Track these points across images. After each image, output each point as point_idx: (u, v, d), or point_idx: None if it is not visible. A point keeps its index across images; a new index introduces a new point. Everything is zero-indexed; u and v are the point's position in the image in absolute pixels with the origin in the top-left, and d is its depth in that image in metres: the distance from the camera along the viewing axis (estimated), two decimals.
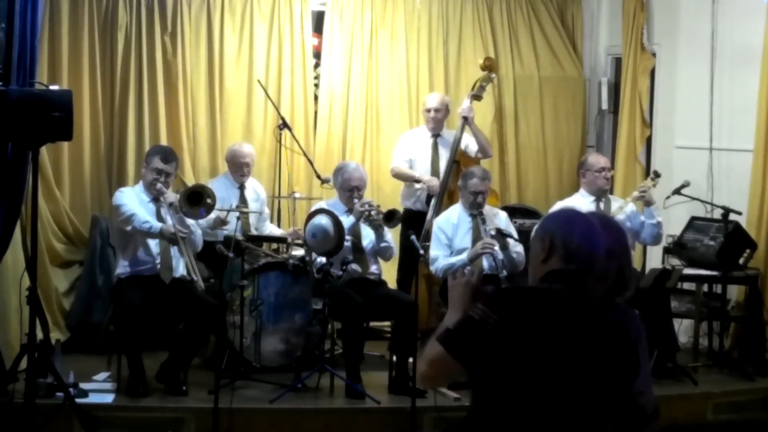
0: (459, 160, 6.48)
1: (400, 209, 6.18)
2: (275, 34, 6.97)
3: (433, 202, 6.41)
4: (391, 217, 5.72)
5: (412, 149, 6.61)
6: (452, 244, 5.84)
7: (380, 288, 5.84)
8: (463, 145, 6.54)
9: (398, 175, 6.65)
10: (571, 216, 2.61)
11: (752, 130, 6.48)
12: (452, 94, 7.07)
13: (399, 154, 6.65)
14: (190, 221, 5.36)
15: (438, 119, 6.58)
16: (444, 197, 6.39)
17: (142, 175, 5.49)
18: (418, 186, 6.51)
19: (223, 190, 6.23)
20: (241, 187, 6.36)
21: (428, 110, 6.57)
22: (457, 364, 2.45)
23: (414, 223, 6.08)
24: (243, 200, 6.32)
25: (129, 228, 5.28)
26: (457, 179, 6.35)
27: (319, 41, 7.16)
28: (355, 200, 5.73)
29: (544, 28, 7.53)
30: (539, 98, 7.50)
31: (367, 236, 5.81)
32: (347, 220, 5.59)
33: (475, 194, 5.80)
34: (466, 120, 6.52)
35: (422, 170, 6.54)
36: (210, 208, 5.33)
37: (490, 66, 6.70)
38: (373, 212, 5.65)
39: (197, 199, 5.30)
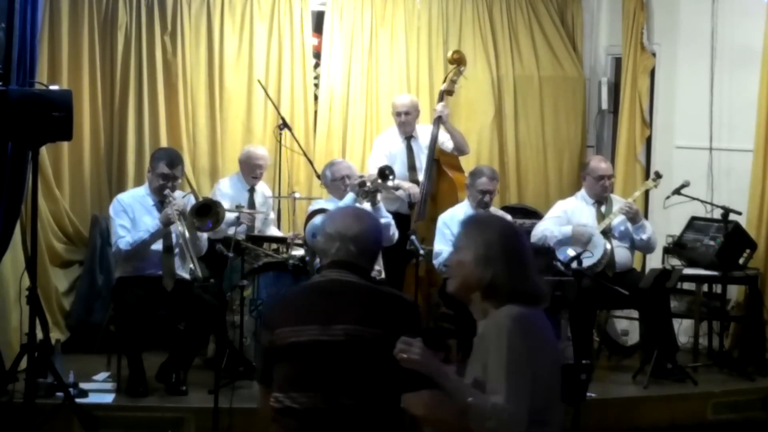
0: (438, 159, 6.45)
1: None
2: (275, 34, 6.96)
3: (417, 206, 6.38)
4: (383, 173, 5.70)
5: (387, 154, 6.52)
6: None
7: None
8: (438, 143, 6.47)
9: None
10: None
11: (752, 130, 6.48)
12: None
13: (375, 161, 6.49)
14: None
15: (409, 122, 6.52)
16: (428, 199, 6.36)
17: (148, 179, 5.44)
18: (398, 192, 6.42)
19: (233, 190, 6.24)
20: (251, 190, 6.37)
21: (398, 114, 6.49)
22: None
23: (399, 228, 5.93)
24: (251, 202, 6.33)
25: (123, 252, 5.27)
26: (438, 179, 6.34)
27: (319, 41, 7.15)
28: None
29: (544, 28, 7.52)
30: (539, 98, 7.49)
31: None
32: (348, 197, 5.56)
33: (483, 193, 5.82)
34: (440, 120, 6.44)
35: (399, 173, 6.39)
36: (217, 223, 5.28)
37: (459, 59, 6.62)
38: (367, 182, 5.65)
39: (206, 211, 5.29)
